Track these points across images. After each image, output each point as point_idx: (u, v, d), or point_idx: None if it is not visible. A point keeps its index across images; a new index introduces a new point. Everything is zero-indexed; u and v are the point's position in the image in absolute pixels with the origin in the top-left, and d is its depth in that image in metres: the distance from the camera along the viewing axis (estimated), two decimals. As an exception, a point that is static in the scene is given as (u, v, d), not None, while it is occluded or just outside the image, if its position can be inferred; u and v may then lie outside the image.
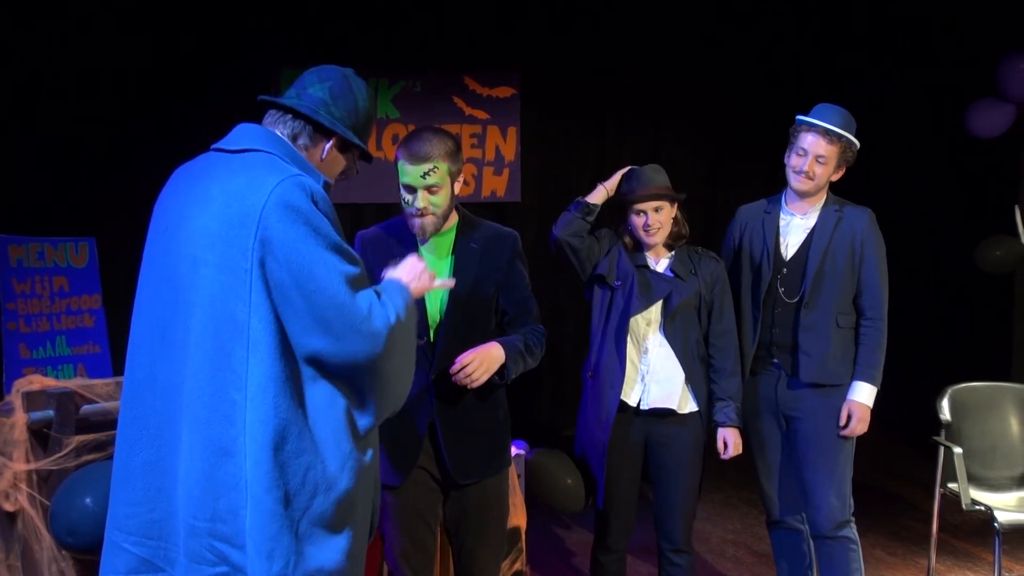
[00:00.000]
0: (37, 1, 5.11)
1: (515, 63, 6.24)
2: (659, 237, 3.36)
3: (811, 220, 3.50)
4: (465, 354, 2.75)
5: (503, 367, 2.80)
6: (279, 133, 2.18)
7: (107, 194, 5.42)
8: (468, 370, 2.72)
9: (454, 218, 2.92)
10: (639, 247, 3.41)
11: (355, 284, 2.01)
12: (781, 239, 3.51)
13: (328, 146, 2.21)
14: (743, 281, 3.56)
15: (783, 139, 3.54)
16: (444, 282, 2.51)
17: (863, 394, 3.40)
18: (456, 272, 2.85)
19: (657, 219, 3.32)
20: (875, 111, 6.36)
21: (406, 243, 2.88)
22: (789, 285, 3.47)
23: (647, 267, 3.39)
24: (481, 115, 6.20)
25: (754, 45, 6.65)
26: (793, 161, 3.44)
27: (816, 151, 3.38)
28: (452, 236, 2.92)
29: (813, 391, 3.45)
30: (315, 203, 2.01)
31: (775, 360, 3.50)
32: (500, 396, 2.98)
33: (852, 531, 3.51)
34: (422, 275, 2.29)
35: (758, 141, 6.62)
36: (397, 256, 2.74)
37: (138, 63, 5.41)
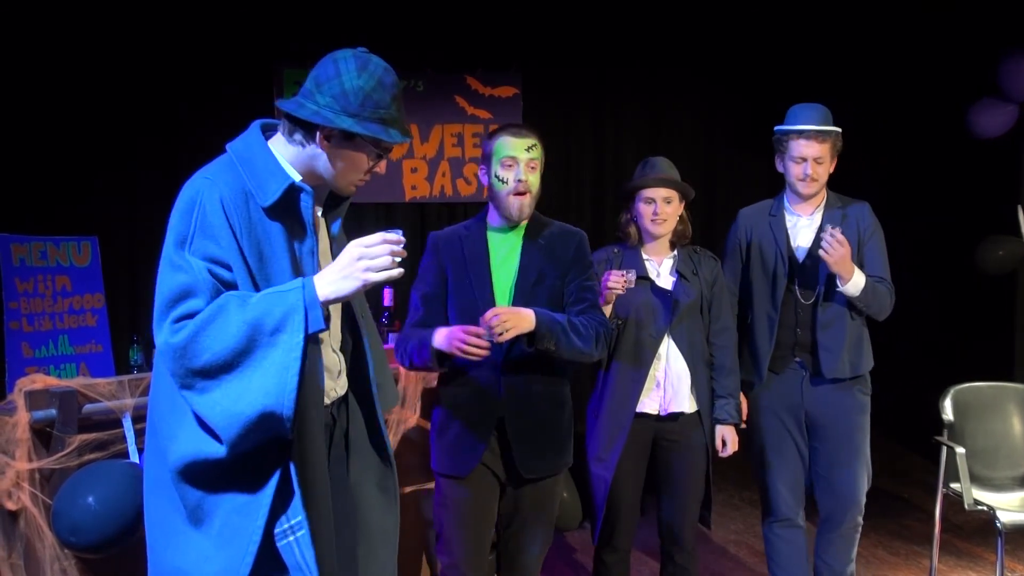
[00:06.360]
0: (39, 2, 5.12)
1: (517, 63, 6.24)
2: (665, 228, 3.32)
3: (817, 219, 3.53)
4: (498, 307, 2.75)
5: (544, 337, 2.74)
6: (280, 132, 2.16)
7: (109, 194, 5.43)
8: (501, 318, 2.66)
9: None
10: (641, 240, 3.38)
11: (182, 289, 1.97)
12: (792, 241, 3.54)
13: (319, 139, 2.10)
14: (756, 285, 3.57)
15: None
16: (387, 273, 2.01)
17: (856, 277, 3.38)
18: (522, 268, 2.90)
19: (666, 209, 3.29)
20: (877, 111, 6.37)
21: (475, 241, 2.93)
22: (805, 286, 3.51)
23: (647, 279, 3.31)
24: (483, 114, 6.20)
25: (755, 44, 6.65)
26: (794, 171, 3.48)
27: (812, 155, 3.43)
28: (521, 233, 2.96)
29: (834, 386, 3.50)
30: (201, 204, 2.01)
31: (798, 359, 3.54)
32: (566, 395, 3.01)
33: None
34: (354, 265, 1.99)
35: (758, 140, 6.61)
36: (467, 254, 2.86)
37: (141, 63, 5.42)
